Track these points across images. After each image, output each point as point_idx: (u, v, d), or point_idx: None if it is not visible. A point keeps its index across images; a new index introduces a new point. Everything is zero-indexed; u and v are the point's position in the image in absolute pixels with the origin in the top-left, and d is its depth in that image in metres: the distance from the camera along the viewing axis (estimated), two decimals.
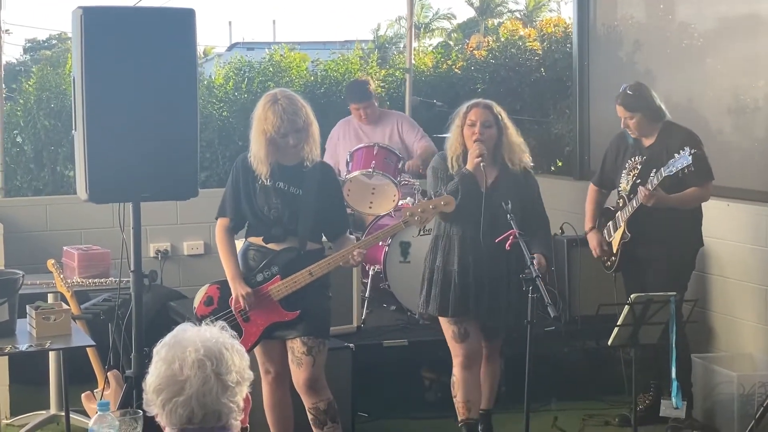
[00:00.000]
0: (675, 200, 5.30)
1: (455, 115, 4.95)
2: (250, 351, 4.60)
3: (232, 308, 4.65)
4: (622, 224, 5.42)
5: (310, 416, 4.69)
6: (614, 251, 5.51)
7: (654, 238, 5.38)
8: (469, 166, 4.82)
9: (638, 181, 5.36)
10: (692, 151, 5.10)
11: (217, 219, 4.76)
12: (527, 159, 4.94)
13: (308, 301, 4.62)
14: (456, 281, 4.87)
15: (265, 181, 4.61)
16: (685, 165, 5.13)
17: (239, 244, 4.81)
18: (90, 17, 4.14)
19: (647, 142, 5.45)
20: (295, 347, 4.61)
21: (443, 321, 4.97)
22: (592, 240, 5.66)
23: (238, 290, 4.61)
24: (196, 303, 4.76)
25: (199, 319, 4.63)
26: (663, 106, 5.47)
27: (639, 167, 5.41)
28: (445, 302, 4.89)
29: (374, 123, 7.00)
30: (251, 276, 4.66)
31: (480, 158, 4.77)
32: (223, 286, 4.70)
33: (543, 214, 4.97)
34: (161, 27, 4.30)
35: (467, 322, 4.90)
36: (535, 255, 4.60)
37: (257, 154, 4.60)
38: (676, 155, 5.15)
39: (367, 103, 6.95)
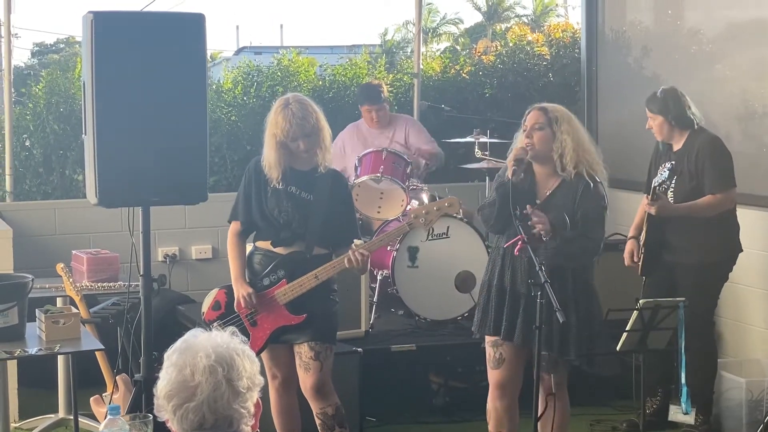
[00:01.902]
0: (683, 209, 5.30)
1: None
2: (257, 355, 4.58)
3: (239, 312, 4.66)
4: (644, 225, 5.41)
5: (318, 421, 4.69)
6: (641, 251, 5.47)
7: (675, 244, 5.37)
8: (508, 173, 4.49)
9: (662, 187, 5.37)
10: (671, 165, 5.19)
11: (229, 223, 4.78)
12: (591, 168, 4.48)
13: (315, 306, 4.62)
14: (494, 297, 4.59)
15: (277, 184, 4.63)
16: (661, 181, 5.19)
17: (249, 248, 4.83)
18: (101, 22, 4.16)
19: (676, 146, 5.45)
20: (303, 352, 4.62)
21: (486, 345, 4.68)
22: (627, 249, 5.60)
23: (239, 291, 4.63)
24: (205, 308, 4.77)
25: (207, 324, 4.63)
26: (695, 115, 5.42)
27: (666, 173, 5.40)
28: (485, 319, 4.62)
29: (383, 127, 7.02)
30: (258, 280, 4.67)
31: (513, 162, 4.45)
32: (231, 291, 4.71)
33: (584, 230, 4.46)
34: (171, 32, 4.32)
35: (504, 347, 4.57)
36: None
37: (268, 158, 4.62)
38: (660, 169, 5.21)
39: (379, 106, 6.98)
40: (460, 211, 6.42)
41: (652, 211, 5.23)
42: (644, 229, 5.39)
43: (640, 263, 5.46)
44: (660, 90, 5.49)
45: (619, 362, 5.80)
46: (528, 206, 4.41)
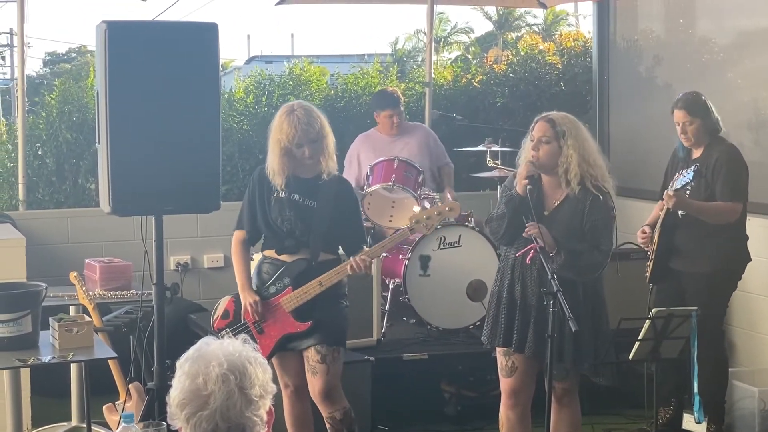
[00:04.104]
0: (696, 207, 5.28)
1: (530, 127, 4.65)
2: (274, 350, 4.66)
3: (247, 320, 4.69)
4: (657, 231, 5.38)
5: (327, 425, 4.70)
6: (651, 256, 5.45)
7: (684, 252, 5.36)
8: (518, 189, 4.48)
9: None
10: (696, 167, 5.18)
11: (234, 231, 4.82)
12: (596, 181, 4.45)
13: (321, 312, 4.64)
14: (504, 308, 4.58)
15: (280, 192, 4.66)
16: (686, 182, 5.18)
17: (258, 257, 4.85)
18: (114, 32, 4.18)
19: (696, 154, 5.43)
20: (310, 356, 4.64)
21: (497, 353, 4.66)
22: (639, 231, 5.53)
23: (245, 299, 4.67)
24: (214, 317, 4.82)
25: (216, 333, 4.66)
26: (719, 120, 5.41)
27: (691, 174, 5.37)
28: (495, 330, 4.61)
29: (401, 133, 7.01)
30: (264, 288, 4.71)
31: (527, 180, 4.44)
32: (239, 299, 4.75)
33: (594, 242, 4.45)
34: (184, 41, 4.34)
35: (516, 356, 4.54)
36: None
37: (272, 165, 4.65)
38: (684, 171, 5.20)
39: (399, 110, 6.99)
40: (472, 219, 6.45)
41: (671, 203, 5.19)
42: (656, 236, 5.38)
43: (648, 271, 5.45)
44: (693, 92, 5.44)
45: (619, 372, 5.80)
46: (527, 226, 4.40)
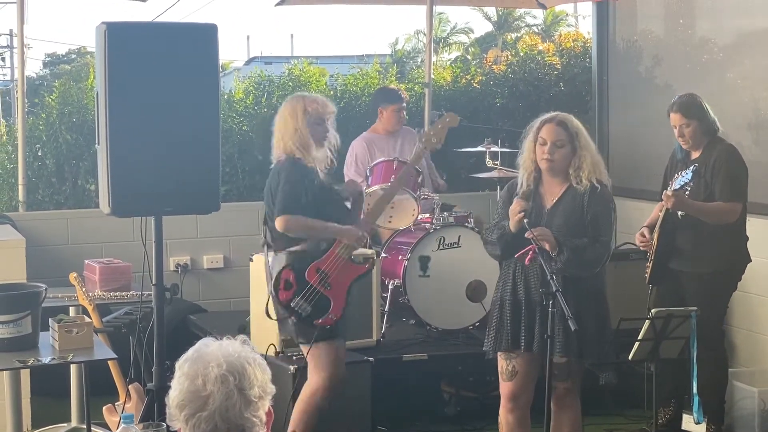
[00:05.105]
0: (696, 207, 5.28)
1: (529, 128, 4.65)
2: (342, 313, 4.73)
3: (311, 282, 4.70)
4: (657, 231, 5.39)
5: None
6: (651, 257, 5.45)
7: (684, 253, 5.36)
8: (511, 226, 4.47)
9: None
10: (694, 167, 5.19)
11: (280, 216, 4.66)
12: (601, 176, 4.52)
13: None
14: (507, 311, 4.56)
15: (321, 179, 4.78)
16: (685, 182, 5.19)
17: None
18: (114, 33, 4.20)
19: (695, 155, 5.43)
20: (340, 348, 4.84)
21: (498, 357, 4.65)
22: (638, 233, 5.55)
23: (360, 230, 4.81)
24: (276, 291, 4.72)
25: (284, 305, 4.67)
26: (716, 120, 5.41)
27: (690, 174, 5.38)
28: (500, 336, 4.59)
29: (397, 134, 7.04)
30: (318, 247, 4.74)
31: (522, 214, 4.42)
32: (294, 265, 4.71)
33: (595, 233, 4.46)
34: (184, 42, 4.36)
35: (517, 359, 4.55)
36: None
37: (303, 137, 4.69)
38: (683, 172, 5.23)
39: (404, 105, 7.07)
40: (471, 220, 6.46)
41: (670, 203, 5.19)
42: (656, 237, 5.38)
43: (648, 271, 5.45)
44: (688, 95, 5.45)
45: (619, 372, 5.81)
46: (528, 233, 4.38)
